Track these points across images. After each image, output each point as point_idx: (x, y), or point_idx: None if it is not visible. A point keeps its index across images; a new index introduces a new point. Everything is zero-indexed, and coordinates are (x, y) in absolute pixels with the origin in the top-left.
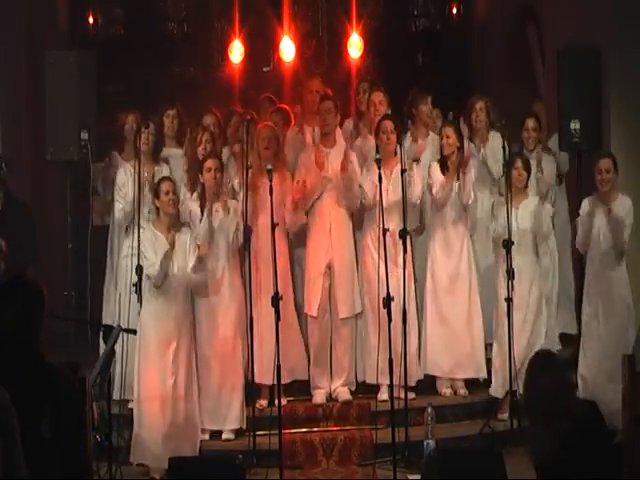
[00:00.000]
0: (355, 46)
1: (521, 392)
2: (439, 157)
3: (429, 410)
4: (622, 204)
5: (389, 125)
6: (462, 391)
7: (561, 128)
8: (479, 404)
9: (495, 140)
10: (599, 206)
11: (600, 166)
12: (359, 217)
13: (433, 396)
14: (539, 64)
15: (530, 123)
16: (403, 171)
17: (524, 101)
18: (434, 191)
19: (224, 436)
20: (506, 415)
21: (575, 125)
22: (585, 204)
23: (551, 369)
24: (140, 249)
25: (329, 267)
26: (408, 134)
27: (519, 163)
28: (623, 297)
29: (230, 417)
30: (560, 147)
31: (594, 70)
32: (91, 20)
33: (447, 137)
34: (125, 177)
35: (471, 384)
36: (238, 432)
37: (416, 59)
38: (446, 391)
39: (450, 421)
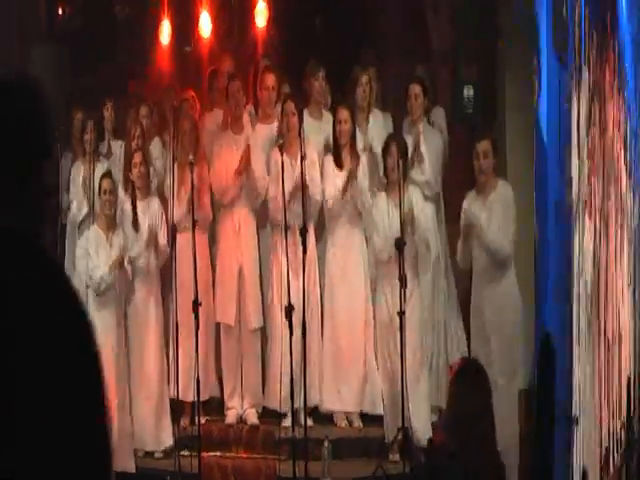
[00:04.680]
0: (261, 14)
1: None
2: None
3: (326, 444)
4: (501, 194)
5: (291, 106)
6: (357, 423)
7: (454, 96)
8: (374, 440)
9: (378, 120)
10: (479, 204)
11: (477, 150)
12: (264, 214)
13: (330, 426)
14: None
15: (415, 89)
16: (302, 158)
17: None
18: (327, 196)
19: (156, 454)
20: (397, 456)
21: (469, 92)
22: (464, 205)
23: (481, 386)
24: (88, 249)
25: (239, 272)
26: (305, 113)
27: (393, 148)
28: (512, 313)
29: (153, 438)
30: (453, 119)
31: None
32: (60, 12)
33: (343, 122)
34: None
35: (366, 417)
36: (166, 451)
37: (313, 23)
38: (342, 422)
39: (346, 457)
